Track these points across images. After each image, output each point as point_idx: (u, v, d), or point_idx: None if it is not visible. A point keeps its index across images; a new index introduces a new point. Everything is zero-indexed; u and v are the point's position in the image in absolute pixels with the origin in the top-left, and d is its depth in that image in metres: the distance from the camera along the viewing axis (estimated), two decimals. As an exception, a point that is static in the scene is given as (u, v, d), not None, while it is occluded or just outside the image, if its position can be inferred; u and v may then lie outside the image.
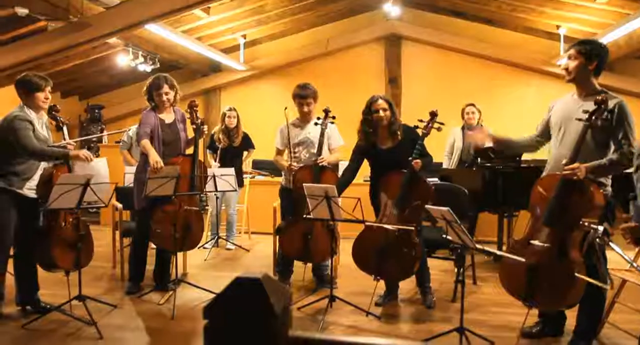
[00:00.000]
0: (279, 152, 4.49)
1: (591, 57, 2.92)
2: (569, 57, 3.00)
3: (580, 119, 2.84)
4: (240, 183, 5.87)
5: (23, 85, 3.63)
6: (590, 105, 2.84)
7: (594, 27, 6.73)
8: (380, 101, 3.88)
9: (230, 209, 5.98)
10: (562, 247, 2.85)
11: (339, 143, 4.42)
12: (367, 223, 3.62)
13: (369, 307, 3.78)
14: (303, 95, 4.30)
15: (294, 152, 4.34)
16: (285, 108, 4.35)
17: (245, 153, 6.10)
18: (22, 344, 3.23)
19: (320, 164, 4.08)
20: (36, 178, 3.69)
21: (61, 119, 4.02)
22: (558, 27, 7.09)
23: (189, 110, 4.22)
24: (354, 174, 4.06)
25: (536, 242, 2.93)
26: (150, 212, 4.08)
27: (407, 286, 4.23)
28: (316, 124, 4.16)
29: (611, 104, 2.84)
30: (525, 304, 2.93)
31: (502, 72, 8.22)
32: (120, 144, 6.03)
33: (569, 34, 7.12)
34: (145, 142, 4.06)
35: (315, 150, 4.18)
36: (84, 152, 3.71)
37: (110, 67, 7.97)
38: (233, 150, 5.90)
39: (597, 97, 2.80)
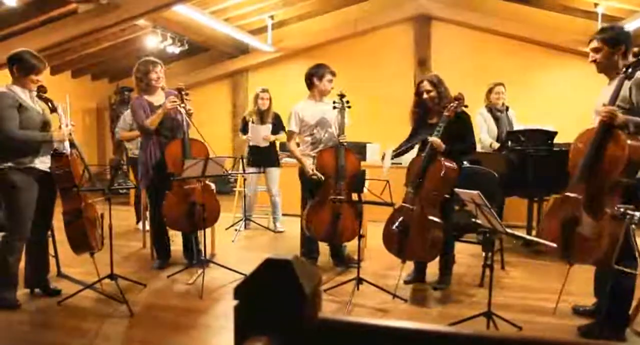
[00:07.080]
0: (293, 136, 4.49)
1: (617, 43, 2.92)
2: (594, 50, 2.98)
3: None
4: (277, 163, 5.92)
5: (19, 63, 3.36)
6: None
7: (633, 4, 6.45)
8: (424, 83, 3.86)
9: (273, 189, 5.88)
10: (593, 200, 2.86)
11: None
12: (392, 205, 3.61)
13: (396, 289, 3.77)
14: (334, 73, 4.41)
15: (312, 134, 4.39)
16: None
17: (275, 136, 5.91)
18: (60, 319, 3.36)
19: (344, 142, 4.15)
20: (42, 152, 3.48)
21: (53, 101, 3.65)
22: (596, 5, 6.81)
23: (179, 96, 4.18)
24: (410, 140, 4.03)
25: (571, 194, 2.97)
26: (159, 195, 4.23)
27: (434, 270, 4.20)
28: (334, 107, 4.21)
29: None
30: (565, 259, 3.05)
31: (536, 53, 7.97)
32: (118, 129, 5.67)
33: (607, 12, 6.85)
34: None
35: (332, 129, 4.35)
36: (63, 131, 3.49)
37: (139, 49, 8.02)
38: None
39: (634, 49, 2.78)
